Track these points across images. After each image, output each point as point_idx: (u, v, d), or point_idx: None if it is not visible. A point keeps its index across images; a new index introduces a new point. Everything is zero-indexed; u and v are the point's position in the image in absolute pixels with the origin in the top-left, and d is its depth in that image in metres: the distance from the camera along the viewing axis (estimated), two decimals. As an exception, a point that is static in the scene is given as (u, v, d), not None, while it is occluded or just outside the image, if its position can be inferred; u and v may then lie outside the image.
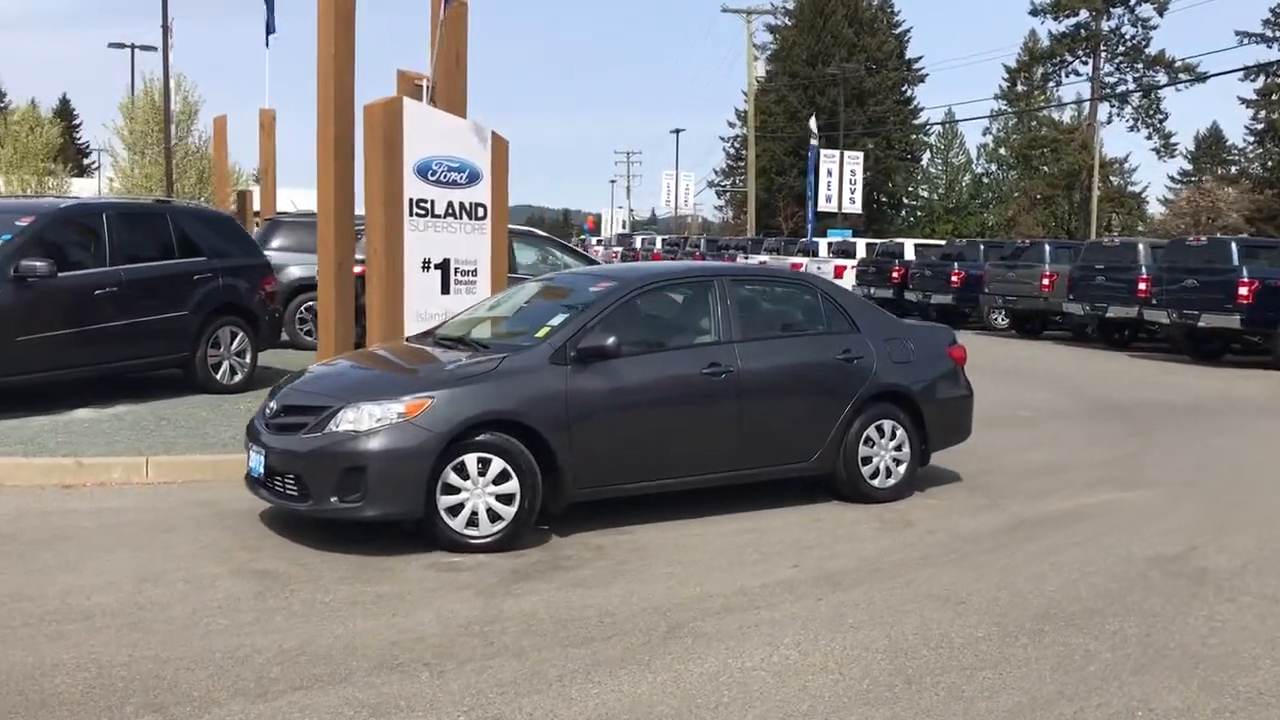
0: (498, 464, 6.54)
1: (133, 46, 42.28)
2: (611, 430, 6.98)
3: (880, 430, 8.05)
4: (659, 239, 46.68)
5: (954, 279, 25.39)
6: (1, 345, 9.65)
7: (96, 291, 10.48)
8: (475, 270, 10.83)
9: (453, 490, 6.49)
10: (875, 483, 8.04)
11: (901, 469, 8.15)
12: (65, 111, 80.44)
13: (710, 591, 5.94)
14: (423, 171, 10.39)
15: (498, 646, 5.04)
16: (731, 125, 70.70)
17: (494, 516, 6.55)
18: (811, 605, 5.75)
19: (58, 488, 7.98)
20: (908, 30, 70.96)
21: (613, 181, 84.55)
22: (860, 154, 47.70)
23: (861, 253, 30.54)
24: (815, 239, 33.39)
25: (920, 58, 72.74)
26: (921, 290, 26.40)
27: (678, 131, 68.71)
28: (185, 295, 11.28)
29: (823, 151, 46.92)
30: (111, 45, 43.23)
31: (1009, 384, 15.07)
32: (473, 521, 6.52)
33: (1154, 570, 6.47)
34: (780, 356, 7.76)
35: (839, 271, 28.77)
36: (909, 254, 28.40)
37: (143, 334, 10.81)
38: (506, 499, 6.57)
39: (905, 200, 72.94)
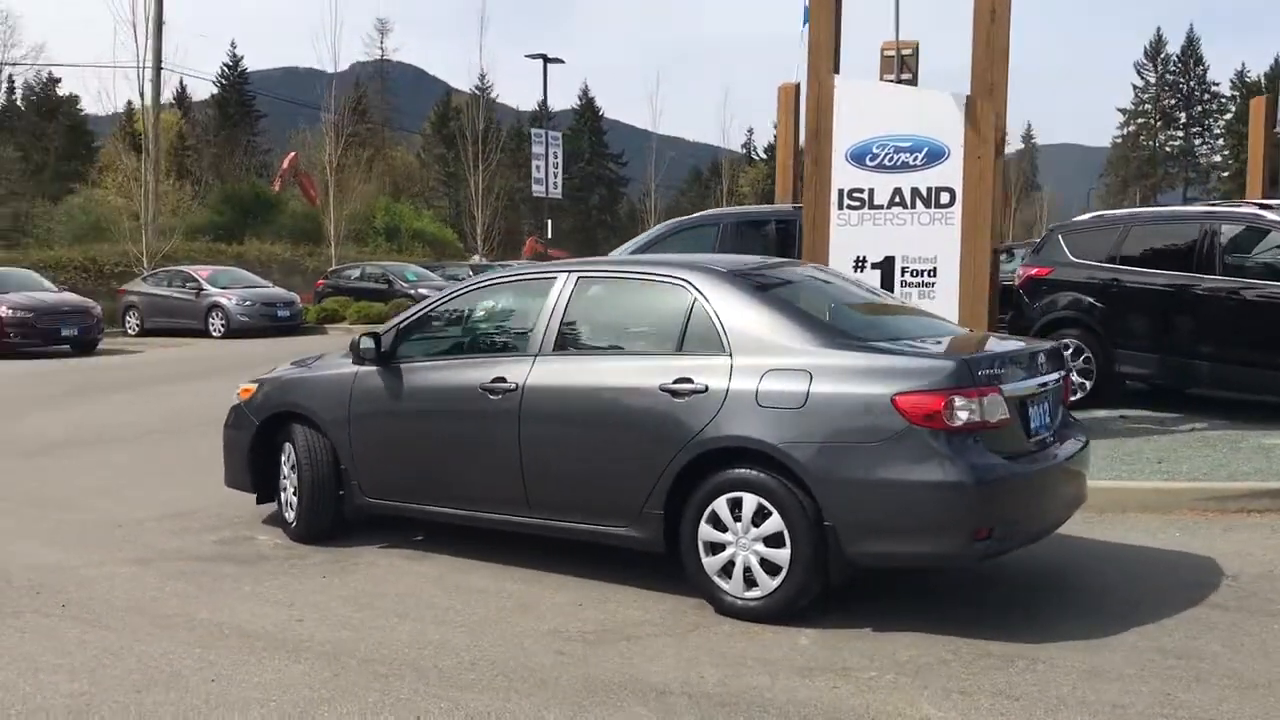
0: (290, 456, 6.65)
1: None
2: (382, 437, 6.32)
3: (736, 510, 5.09)
4: None
5: None
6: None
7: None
8: (934, 269, 9.03)
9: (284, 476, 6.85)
10: (727, 587, 5.15)
11: (774, 582, 5.01)
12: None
13: (228, 623, 5.39)
14: (859, 157, 9.23)
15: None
16: None
17: (291, 506, 6.67)
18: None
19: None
20: None
21: None
22: None
23: None
24: None
25: None
26: None
27: None
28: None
29: None
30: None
31: None
32: (288, 507, 6.76)
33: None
34: (584, 377, 5.59)
35: None
36: None
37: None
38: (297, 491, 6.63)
39: None
